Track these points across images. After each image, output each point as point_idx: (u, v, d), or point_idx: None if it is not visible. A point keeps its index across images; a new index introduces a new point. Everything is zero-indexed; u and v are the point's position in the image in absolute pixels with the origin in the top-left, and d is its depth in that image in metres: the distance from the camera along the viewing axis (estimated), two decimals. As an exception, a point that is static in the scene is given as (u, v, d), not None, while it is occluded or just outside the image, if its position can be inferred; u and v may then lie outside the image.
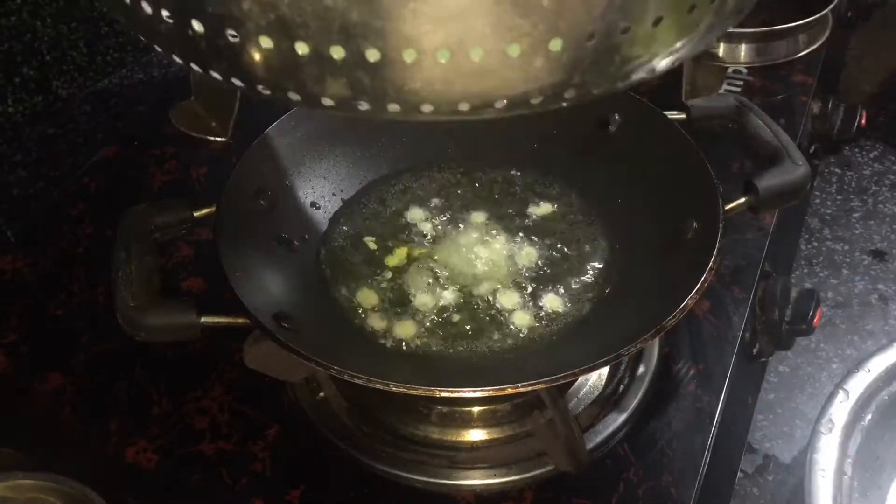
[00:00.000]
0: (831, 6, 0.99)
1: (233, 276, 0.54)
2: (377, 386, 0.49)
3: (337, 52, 0.29)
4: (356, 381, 0.49)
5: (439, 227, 0.68)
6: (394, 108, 0.31)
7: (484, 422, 0.62)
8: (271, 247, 0.63)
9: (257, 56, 0.30)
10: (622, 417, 0.62)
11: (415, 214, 0.68)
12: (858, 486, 0.66)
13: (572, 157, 0.71)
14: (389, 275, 0.64)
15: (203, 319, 0.53)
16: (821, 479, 0.62)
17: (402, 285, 0.63)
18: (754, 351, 0.76)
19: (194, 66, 0.33)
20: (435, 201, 0.70)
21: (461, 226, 0.68)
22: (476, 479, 0.60)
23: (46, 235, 0.81)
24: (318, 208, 0.68)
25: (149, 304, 0.53)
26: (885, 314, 0.98)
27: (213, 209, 0.59)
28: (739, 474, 0.79)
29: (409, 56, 0.28)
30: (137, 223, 0.58)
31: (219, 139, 0.43)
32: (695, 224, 0.59)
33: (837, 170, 1.17)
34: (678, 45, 0.33)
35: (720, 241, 0.55)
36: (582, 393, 0.64)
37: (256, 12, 0.28)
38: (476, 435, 0.62)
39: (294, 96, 0.32)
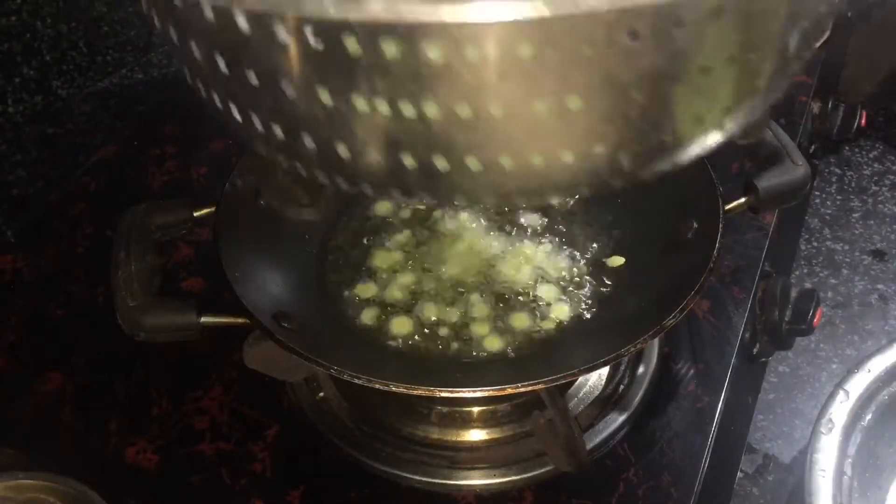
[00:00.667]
0: (831, 6, 0.99)
1: (233, 276, 0.54)
2: (377, 386, 0.49)
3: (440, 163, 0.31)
4: (356, 381, 0.49)
5: (437, 225, 0.67)
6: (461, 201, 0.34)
7: (484, 422, 0.62)
8: (271, 247, 0.63)
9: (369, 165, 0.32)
10: (622, 417, 0.62)
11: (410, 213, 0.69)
12: (858, 486, 0.66)
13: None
14: (388, 275, 0.64)
15: (203, 319, 0.53)
16: (821, 479, 0.62)
17: (402, 285, 0.63)
18: (754, 351, 0.76)
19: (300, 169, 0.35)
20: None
21: (460, 225, 0.67)
22: (476, 479, 0.60)
23: (46, 235, 0.81)
24: (319, 208, 0.68)
25: (149, 304, 0.53)
26: (885, 314, 0.98)
27: (213, 209, 0.59)
28: (739, 474, 0.79)
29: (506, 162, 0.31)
30: (137, 223, 0.58)
31: (311, 215, 0.44)
32: (695, 224, 0.59)
33: (837, 170, 1.17)
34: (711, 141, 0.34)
35: (720, 241, 0.55)
36: (582, 393, 0.64)
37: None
38: (476, 435, 0.62)
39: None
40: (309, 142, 0.32)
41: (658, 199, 0.64)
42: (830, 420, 0.65)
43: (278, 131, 0.33)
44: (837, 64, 1.20)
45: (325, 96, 0.30)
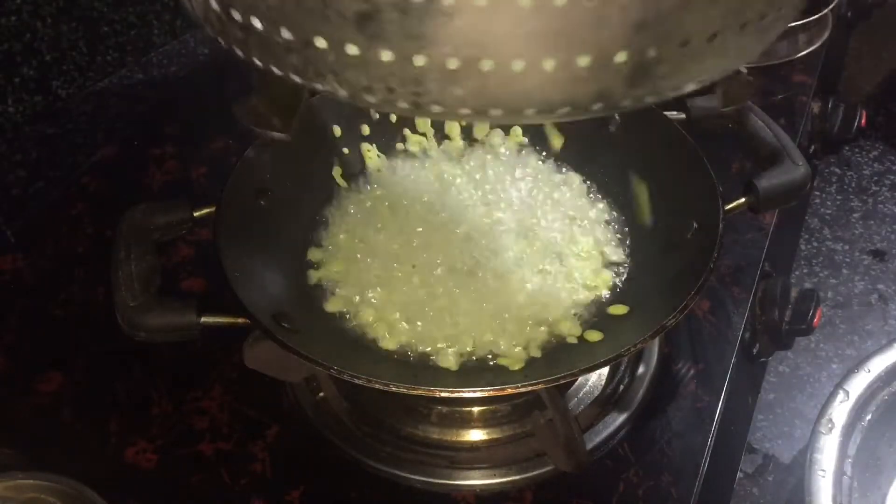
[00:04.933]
0: (831, 6, 0.99)
1: (233, 276, 0.54)
2: (377, 386, 0.49)
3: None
4: (356, 381, 0.49)
5: (436, 224, 0.67)
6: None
7: (484, 422, 0.62)
8: (271, 247, 0.63)
9: (339, 60, 0.32)
10: (622, 417, 0.62)
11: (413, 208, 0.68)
12: (858, 486, 0.66)
13: (572, 157, 0.71)
14: (387, 274, 0.64)
15: (203, 319, 0.53)
16: (821, 479, 0.62)
17: (401, 284, 0.63)
18: (754, 351, 0.76)
19: (275, 70, 0.35)
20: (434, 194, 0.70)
21: (458, 224, 0.67)
22: (476, 479, 0.60)
23: (46, 235, 0.81)
24: (318, 206, 0.68)
25: (149, 304, 0.53)
26: (885, 314, 0.98)
27: (213, 209, 0.59)
28: (739, 474, 0.79)
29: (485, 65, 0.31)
30: (137, 223, 0.58)
31: (280, 136, 0.45)
32: (695, 224, 0.59)
33: (837, 170, 1.17)
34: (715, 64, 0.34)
35: (720, 241, 0.55)
36: (582, 393, 0.64)
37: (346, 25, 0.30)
38: (476, 435, 0.62)
39: (342, 92, 0.33)
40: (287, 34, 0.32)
41: (658, 199, 0.64)
42: (830, 420, 0.65)
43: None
44: (837, 64, 1.20)
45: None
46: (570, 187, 0.70)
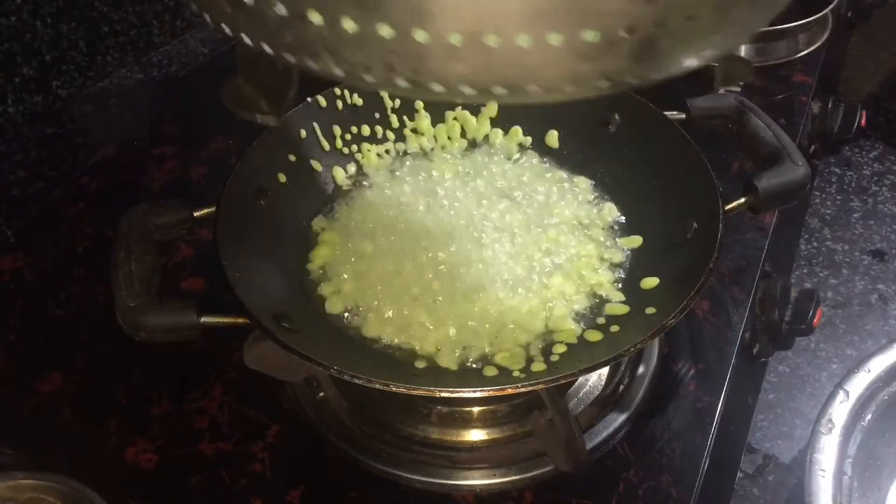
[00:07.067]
0: (831, 6, 0.99)
1: (233, 276, 0.54)
2: (377, 386, 0.49)
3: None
4: (356, 381, 0.49)
5: (435, 224, 0.67)
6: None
7: (484, 422, 0.62)
8: (271, 247, 0.63)
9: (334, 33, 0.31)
10: (622, 417, 0.62)
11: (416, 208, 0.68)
12: (858, 486, 0.66)
13: (572, 157, 0.71)
14: (387, 274, 0.64)
15: (203, 319, 0.53)
16: (821, 479, 0.62)
17: (401, 284, 0.63)
18: (754, 351, 0.76)
19: (246, 39, 0.33)
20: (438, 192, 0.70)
21: (458, 225, 0.67)
22: (476, 479, 0.60)
23: (46, 235, 0.81)
24: (318, 207, 0.68)
25: (149, 304, 0.53)
26: (885, 314, 0.98)
27: (213, 209, 0.59)
28: (739, 474, 0.79)
29: (455, 39, 0.30)
30: (137, 223, 0.58)
31: (268, 119, 0.43)
32: (695, 224, 0.59)
33: (837, 170, 1.17)
34: (715, 39, 0.33)
35: (720, 241, 0.55)
36: (582, 393, 0.64)
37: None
38: (476, 435, 0.62)
39: (338, 71, 0.32)
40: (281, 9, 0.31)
41: (658, 199, 0.64)
42: (830, 420, 0.65)
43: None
44: (837, 64, 1.20)
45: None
46: (571, 187, 0.70)
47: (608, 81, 0.32)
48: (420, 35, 0.30)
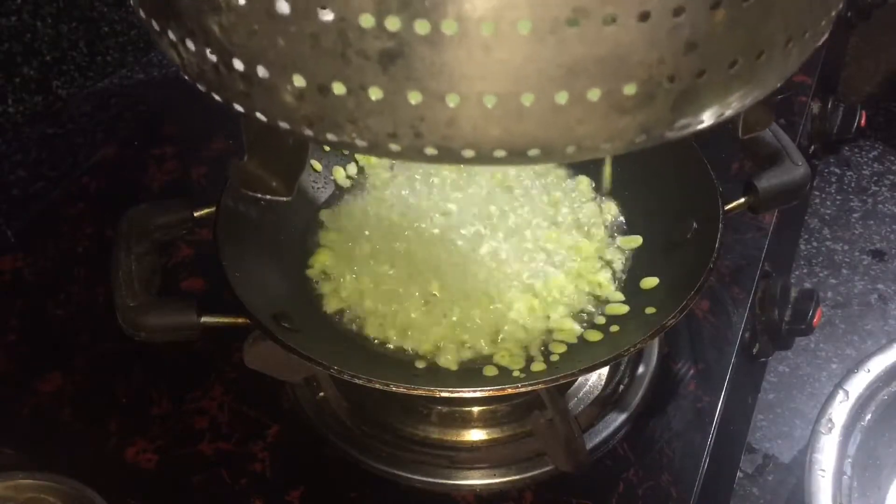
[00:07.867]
0: (831, 6, 0.99)
1: (233, 276, 0.54)
2: (377, 386, 0.49)
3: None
4: (356, 381, 0.49)
5: (435, 223, 0.67)
6: (431, 151, 0.30)
7: (484, 422, 0.62)
8: (271, 247, 0.63)
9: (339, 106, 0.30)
10: (622, 417, 0.62)
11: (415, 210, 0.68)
12: (858, 486, 0.66)
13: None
14: (387, 274, 0.64)
15: (203, 319, 0.53)
16: (821, 479, 0.62)
17: (401, 285, 0.63)
18: (754, 351, 0.76)
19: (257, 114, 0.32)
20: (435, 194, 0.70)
21: (458, 225, 0.67)
22: (476, 479, 0.60)
23: (46, 235, 0.80)
24: (318, 207, 0.68)
25: (149, 304, 0.53)
26: (884, 314, 0.98)
27: (213, 209, 0.59)
28: (739, 474, 0.79)
29: (452, 101, 0.28)
30: (137, 223, 0.58)
31: (281, 199, 0.42)
32: (695, 224, 0.59)
33: (837, 170, 1.17)
34: (732, 98, 0.32)
35: (720, 241, 0.55)
36: (582, 393, 0.64)
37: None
38: (476, 435, 0.62)
39: (332, 137, 0.31)
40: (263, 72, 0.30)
41: (658, 199, 0.64)
42: (830, 420, 0.65)
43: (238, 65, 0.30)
44: (837, 64, 1.20)
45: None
46: (571, 187, 0.70)
47: (646, 135, 0.31)
48: (452, 99, 0.28)
